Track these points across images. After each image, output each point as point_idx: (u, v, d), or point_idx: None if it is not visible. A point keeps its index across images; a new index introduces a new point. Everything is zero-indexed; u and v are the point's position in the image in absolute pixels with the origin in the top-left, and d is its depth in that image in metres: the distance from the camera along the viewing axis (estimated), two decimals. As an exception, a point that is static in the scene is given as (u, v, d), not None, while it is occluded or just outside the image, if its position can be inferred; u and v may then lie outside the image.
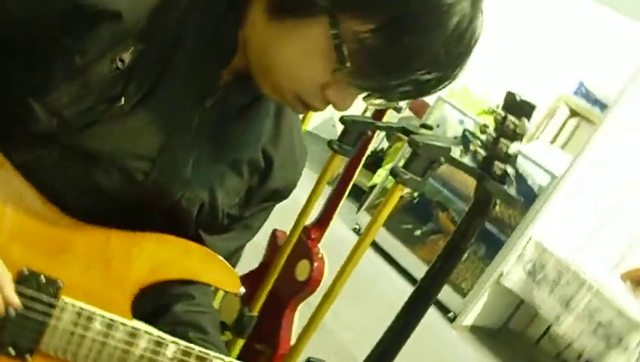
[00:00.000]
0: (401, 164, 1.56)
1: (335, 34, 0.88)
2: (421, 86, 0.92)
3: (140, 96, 0.96)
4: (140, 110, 0.97)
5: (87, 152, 0.96)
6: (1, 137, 0.95)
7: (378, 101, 0.99)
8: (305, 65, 0.93)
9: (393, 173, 1.50)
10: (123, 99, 0.95)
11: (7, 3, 0.89)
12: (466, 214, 1.74)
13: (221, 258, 1.14)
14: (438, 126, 5.66)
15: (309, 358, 1.83)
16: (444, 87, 0.95)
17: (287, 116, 1.18)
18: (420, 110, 6.64)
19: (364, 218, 5.76)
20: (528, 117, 1.64)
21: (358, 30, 0.88)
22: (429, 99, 6.17)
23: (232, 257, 1.24)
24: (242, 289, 1.16)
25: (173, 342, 1.08)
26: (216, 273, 1.13)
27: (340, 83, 0.93)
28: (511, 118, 1.65)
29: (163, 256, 1.08)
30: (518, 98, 1.67)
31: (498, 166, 1.64)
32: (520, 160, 5.43)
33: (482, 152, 1.70)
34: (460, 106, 5.57)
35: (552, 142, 6.53)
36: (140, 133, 0.99)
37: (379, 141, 6.98)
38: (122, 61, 0.93)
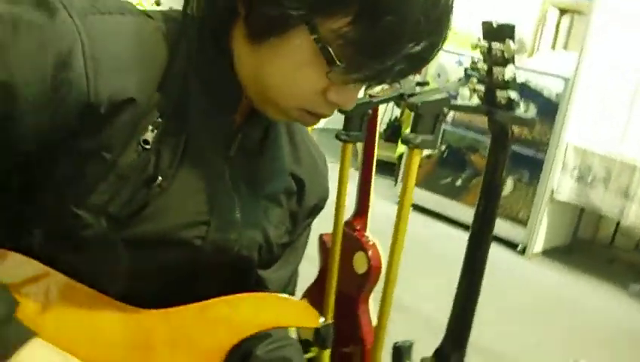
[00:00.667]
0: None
1: (317, 38, 0.88)
2: (414, 59, 0.91)
3: (174, 170, 0.97)
4: (177, 181, 0.98)
5: (141, 239, 0.97)
6: (44, 246, 0.96)
7: (379, 87, 1.00)
8: (299, 77, 0.93)
9: (404, 141, 1.50)
10: (159, 177, 0.96)
11: (20, 121, 0.88)
12: (489, 150, 1.74)
13: (292, 297, 1.14)
14: (439, 75, 5.64)
15: (395, 343, 1.85)
16: (436, 54, 0.95)
17: (296, 130, 1.19)
18: (416, 67, 6.60)
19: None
20: (511, 38, 1.63)
21: (337, 27, 0.87)
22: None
23: (290, 284, 1.24)
24: (322, 320, 1.17)
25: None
26: (293, 313, 1.13)
27: (338, 83, 0.94)
28: (495, 44, 1.64)
29: (238, 316, 1.07)
30: (494, 24, 1.66)
31: (500, 95, 1.63)
32: (529, 75, 5.41)
33: (481, 88, 1.69)
34: (453, 48, 5.54)
35: (553, 47, 6.46)
36: (185, 202, 0.99)
37: (391, 111, 6.97)
38: (146, 142, 0.94)
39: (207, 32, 0.98)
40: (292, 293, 1.27)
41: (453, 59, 5.54)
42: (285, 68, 0.93)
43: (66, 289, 0.99)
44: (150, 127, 0.94)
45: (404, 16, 0.87)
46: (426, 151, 6.05)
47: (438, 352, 1.82)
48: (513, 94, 1.64)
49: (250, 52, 0.95)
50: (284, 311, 1.12)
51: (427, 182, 5.94)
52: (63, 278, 0.98)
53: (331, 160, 1.94)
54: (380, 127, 7.03)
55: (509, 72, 1.63)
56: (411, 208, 5.45)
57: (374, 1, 0.86)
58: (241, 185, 1.06)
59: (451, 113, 5.74)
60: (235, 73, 0.99)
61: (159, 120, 0.95)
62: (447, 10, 0.92)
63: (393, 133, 6.70)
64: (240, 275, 1.11)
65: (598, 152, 5.05)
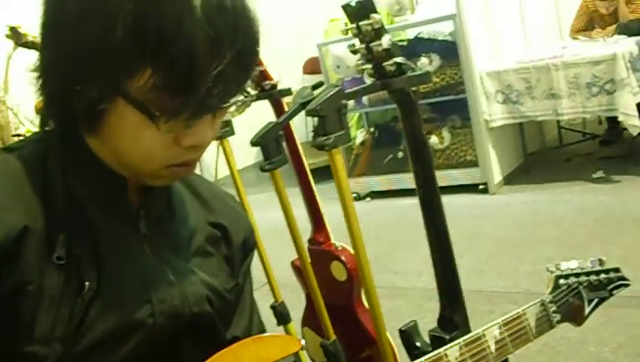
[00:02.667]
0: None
1: (131, 101, 0.90)
2: (230, 74, 0.91)
3: (95, 270, 0.99)
4: (104, 277, 0.99)
5: (99, 342, 0.98)
6: None
7: (232, 108, 1.00)
8: (143, 142, 0.95)
9: (318, 146, 1.52)
10: (87, 283, 0.97)
11: None
12: (401, 118, 1.76)
13: (269, 334, 1.16)
14: (338, 67, 5.69)
15: (400, 329, 1.86)
16: (254, 56, 0.95)
17: (195, 183, 1.22)
18: (314, 67, 6.67)
19: (353, 183, 5.80)
20: (374, 10, 1.67)
21: (143, 82, 0.89)
22: (313, 52, 6.21)
23: (252, 326, 1.26)
24: (303, 342, 1.18)
25: None
26: (274, 347, 1.15)
27: (177, 130, 0.94)
28: (362, 23, 1.67)
29: None
30: (353, 4, 1.69)
31: (387, 65, 1.66)
32: (420, 29, 5.50)
33: (369, 67, 1.72)
34: (339, 36, 5.60)
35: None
36: (121, 292, 1.01)
37: (311, 119, 7.00)
38: (60, 258, 0.95)
39: (65, 139, 1.01)
40: (262, 332, 1.28)
41: (344, 46, 5.59)
42: (127, 140, 0.96)
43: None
44: (57, 244, 0.96)
45: (188, 43, 0.87)
46: (359, 139, 6.12)
47: (441, 320, 1.84)
48: (398, 59, 1.67)
49: (98, 141, 0.99)
50: (264, 349, 1.13)
51: (372, 167, 6.00)
52: None
53: (270, 190, 1.97)
54: (307, 136, 7.07)
55: (385, 42, 1.65)
56: (369, 198, 5.51)
57: (156, 42, 0.86)
58: (165, 253, 1.08)
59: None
60: (105, 163, 1.02)
61: (62, 235, 0.97)
62: (240, 11, 0.91)
63: (322, 137, 6.72)
64: (206, 333, 1.12)
65: (509, 68, 5.15)
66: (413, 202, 1.83)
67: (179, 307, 1.06)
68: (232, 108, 0.99)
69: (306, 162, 2.48)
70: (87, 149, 1.01)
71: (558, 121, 5.94)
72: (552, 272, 1.51)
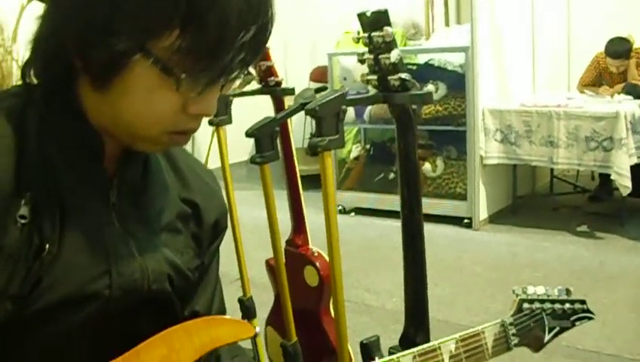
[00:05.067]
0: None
1: (155, 60, 0.90)
2: (250, 46, 0.94)
3: (58, 233, 0.98)
4: (66, 242, 0.98)
5: (51, 307, 0.97)
6: None
7: (237, 82, 1.02)
8: (154, 103, 0.95)
9: (311, 147, 1.52)
10: (47, 246, 0.96)
11: None
12: (397, 136, 1.77)
13: (223, 316, 1.16)
14: (345, 79, 5.71)
15: (361, 342, 1.86)
16: (268, 36, 0.98)
17: (177, 156, 1.21)
18: (321, 76, 6.69)
19: (340, 196, 5.80)
20: (388, 23, 1.68)
21: (169, 43, 0.90)
22: (323, 61, 6.22)
23: (214, 303, 1.25)
24: (257, 329, 1.18)
25: None
26: (227, 330, 1.14)
27: (192, 95, 0.95)
28: (375, 33, 1.68)
29: (173, 350, 1.07)
30: (368, 14, 1.70)
31: (392, 79, 1.67)
32: (431, 55, 5.52)
33: (374, 78, 1.73)
34: (352, 48, 5.62)
35: (447, 23, 6.61)
36: (79, 260, 1.00)
37: (310, 125, 7.01)
38: (23, 217, 0.94)
39: (52, 95, 1.00)
40: (222, 311, 1.28)
41: (354, 59, 5.61)
42: (138, 100, 0.95)
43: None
44: (22, 202, 0.95)
45: (224, 10, 0.89)
46: (354, 154, 6.13)
47: (403, 338, 1.84)
48: (404, 75, 1.68)
49: (101, 98, 0.97)
50: (217, 330, 1.13)
51: (362, 183, 6.00)
52: None
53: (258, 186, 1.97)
54: (304, 143, 7.08)
55: (394, 56, 1.67)
56: (354, 213, 5.51)
57: (193, 6, 0.88)
58: (133, 226, 1.07)
59: (367, 110, 5.82)
60: (90, 125, 1.01)
61: (28, 193, 0.96)
62: None
63: (317, 144, 6.74)
64: (163, 310, 1.11)
65: (512, 109, 5.18)
66: (396, 224, 1.83)
67: (138, 282, 1.05)
68: (237, 82, 1.01)
69: (298, 167, 2.49)
70: (76, 108, 1.00)
71: (551, 169, 5.97)
72: (517, 295, 1.52)
